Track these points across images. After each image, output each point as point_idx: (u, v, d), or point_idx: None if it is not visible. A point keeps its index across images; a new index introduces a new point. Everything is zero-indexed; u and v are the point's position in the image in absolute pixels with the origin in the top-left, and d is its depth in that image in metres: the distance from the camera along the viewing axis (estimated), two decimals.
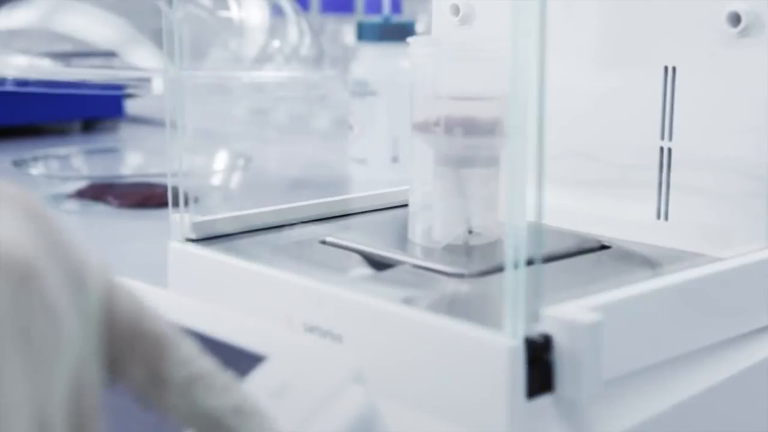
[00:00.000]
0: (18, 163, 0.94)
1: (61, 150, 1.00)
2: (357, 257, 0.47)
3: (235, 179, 0.99)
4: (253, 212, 0.53)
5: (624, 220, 0.51)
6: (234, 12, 0.96)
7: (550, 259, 0.46)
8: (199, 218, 0.52)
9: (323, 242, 0.49)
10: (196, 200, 0.94)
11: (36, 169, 0.95)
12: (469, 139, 0.46)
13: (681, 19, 0.50)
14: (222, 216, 0.52)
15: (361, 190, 1.05)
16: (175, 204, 0.51)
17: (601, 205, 0.53)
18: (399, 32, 1.07)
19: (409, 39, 0.48)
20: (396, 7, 1.38)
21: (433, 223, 0.48)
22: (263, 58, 0.94)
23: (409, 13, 1.41)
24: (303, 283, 0.43)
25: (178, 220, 0.51)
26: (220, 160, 1.03)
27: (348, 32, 1.47)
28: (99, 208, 0.92)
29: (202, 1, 0.95)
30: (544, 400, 0.37)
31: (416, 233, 0.48)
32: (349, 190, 1.06)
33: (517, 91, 0.36)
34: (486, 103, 0.46)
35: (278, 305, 0.44)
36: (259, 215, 0.53)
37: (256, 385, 0.34)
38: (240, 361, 0.36)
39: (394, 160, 1.06)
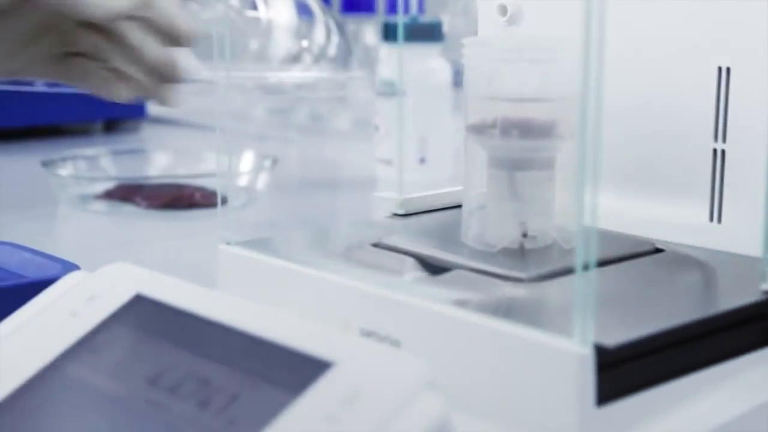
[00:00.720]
0: (46, 164, 0.93)
1: (89, 151, 0.99)
2: (411, 260, 0.46)
3: (262, 180, 0.98)
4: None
5: (676, 222, 0.51)
6: (262, 12, 0.95)
7: (605, 263, 0.46)
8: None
9: (375, 245, 0.49)
10: (224, 201, 0.95)
11: (64, 170, 0.94)
12: (525, 141, 0.46)
13: (735, 20, 0.49)
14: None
15: (388, 191, 1.05)
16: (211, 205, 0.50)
17: (653, 207, 0.52)
18: (426, 32, 1.06)
19: (464, 40, 0.47)
20: (419, 7, 1.37)
21: (486, 226, 0.47)
22: (291, 59, 0.94)
23: (431, 14, 1.40)
24: (360, 287, 0.43)
25: (227, 222, 0.50)
26: (247, 161, 1.02)
27: (369, 32, 1.46)
28: (127, 209, 0.92)
29: (231, 1, 0.94)
30: (614, 407, 0.37)
31: (470, 236, 0.48)
32: (376, 191, 1.06)
33: (588, 94, 0.35)
34: (543, 105, 0.46)
35: (333, 310, 0.44)
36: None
37: (324, 392, 0.34)
38: (305, 367, 0.35)
39: (421, 161, 1.05)
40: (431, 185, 1.04)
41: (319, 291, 0.45)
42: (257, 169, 0.99)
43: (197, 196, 0.94)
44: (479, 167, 0.47)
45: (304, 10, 0.98)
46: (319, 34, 0.96)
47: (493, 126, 0.46)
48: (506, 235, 0.46)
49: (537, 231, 0.47)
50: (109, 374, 0.38)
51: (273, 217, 0.92)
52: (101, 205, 0.93)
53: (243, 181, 0.99)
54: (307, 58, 0.94)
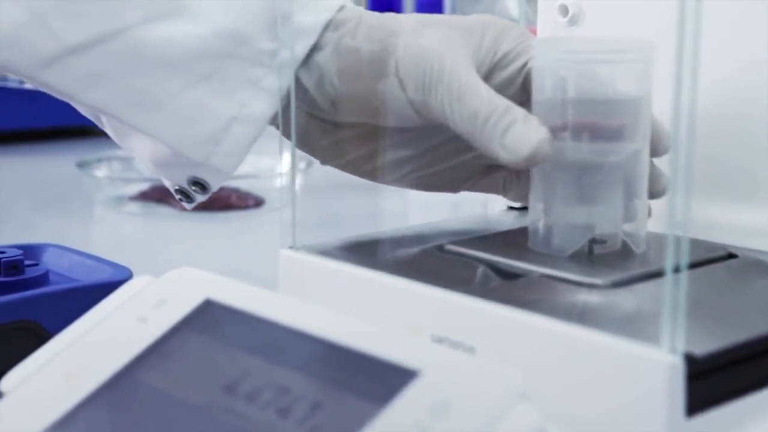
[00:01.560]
0: (82, 165, 0.93)
1: (123, 152, 0.99)
2: (481, 266, 0.45)
3: (297, 182, 0.97)
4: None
5: (748, 228, 0.50)
6: None
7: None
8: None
9: (441, 250, 0.48)
10: (262, 203, 0.94)
11: (100, 171, 0.94)
12: (595, 144, 0.45)
13: None
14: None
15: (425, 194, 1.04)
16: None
17: (724, 212, 0.51)
18: None
19: (534, 41, 0.46)
20: (439, 7, 1.36)
21: (555, 231, 0.46)
22: None
23: (461, 14, 1.39)
24: (431, 292, 0.42)
25: (290, 227, 0.49)
26: (285, 162, 1.01)
27: None
28: (162, 210, 0.91)
29: None
30: (704, 418, 0.36)
31: (538, 241, 0.47)
32: (408, 193, 1.05)
33: (681, 99, 0.34)
34: (612, 107, 0.45)
35: (403, 316, 0.43)
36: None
37: (411, 401, 0.33)
38: (390, 376, 0.34)
39: None
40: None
41: (388, 296, 0.44)
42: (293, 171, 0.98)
43: (233, 197, 0.93)
44: (547, 171, 0.46)
45: None
46: None
47: (563, 129, 0.45)
48: (576, 241, 0.45)
49: (606, 235, 0.46)
50: (182, 381, 0.38)
51: (321, 220, 0.91)
52: (136, 207, 0.92)
53: (279, 183, 0.98)
54: None
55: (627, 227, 0.46)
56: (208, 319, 0.40)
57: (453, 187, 0.54)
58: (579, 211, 0.46)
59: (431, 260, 0.47)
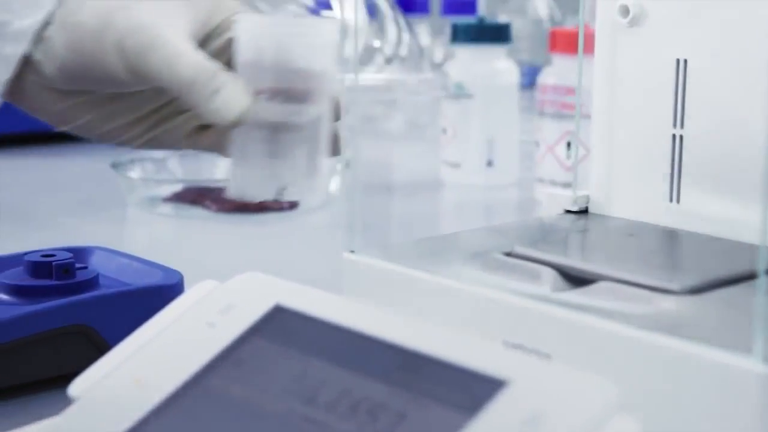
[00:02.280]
0: (116, 166, 0.92)
1: (157, 153, 0.98)
2: (550, 270, 0.45)
3: (334, 183, 0.97)
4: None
5: None
6: (337, 12, 0.93)
7: (749, 277, 0.44)
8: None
9: (510, 254, 0.47)
10: (296, 204, 0.93)
11: (134, 172, 0.93)
12: (285, 106, 0.52)
13: None
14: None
15: (458, 194, 1.03)
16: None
17: None
18: (494, 33, 1.05)
19: (236, 16, 0.53)
20: (472, 7, 1.36)
21: (249, 181, 0.53)
22: (365, 60, 0.92)
23: (487, 14, 1.38)
24: (504, 298, 0.41)
25: (351, 230, 0.48)
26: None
27: (422, 33, 1.44)
28: (196, 212, 0.90)
29: (304, 1, 0.93)
30: None
31: (235, 190, 0.53)
32: (444, 194, 1.04)
33: None
34: (300, 75, 0.52)
35: (474, 321, 0.42)
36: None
37: (501, 412, 0.32)
38: (477, 385, 0.33)
39: (489, 164, 1.04)
40: (499, 189, 1.03)
41: (457, 302, 0.43)
42: (330, 172, 0.98)
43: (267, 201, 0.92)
44: (245, 129, 0.52)
45: (371, 10, 0.96)
46: (390, 33, 0.94)
47: (260, 92, 0.51)
48: (265, 190, 0.53)
49: (292, 185, 0.53)
50: (257, 389, 0.37)
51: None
52: (169, 208, 0.91)
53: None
54: (380, 59, 0.92)
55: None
56: (279, 325, 0.39)
57: (175, 144, 0.60)
58: (270, 164, 0.52)
59: (499, 264, 0.46)
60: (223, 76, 0.51)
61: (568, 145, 0.94)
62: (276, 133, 0.52)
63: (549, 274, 0.44)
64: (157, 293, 0.54)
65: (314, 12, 0.94)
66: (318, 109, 0.52)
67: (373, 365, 0.36)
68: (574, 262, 0.45)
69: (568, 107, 0.94)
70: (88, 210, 0.94)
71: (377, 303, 0.45)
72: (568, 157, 0.94)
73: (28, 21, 0.55)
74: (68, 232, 0.85)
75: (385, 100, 1.38)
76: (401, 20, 0.95)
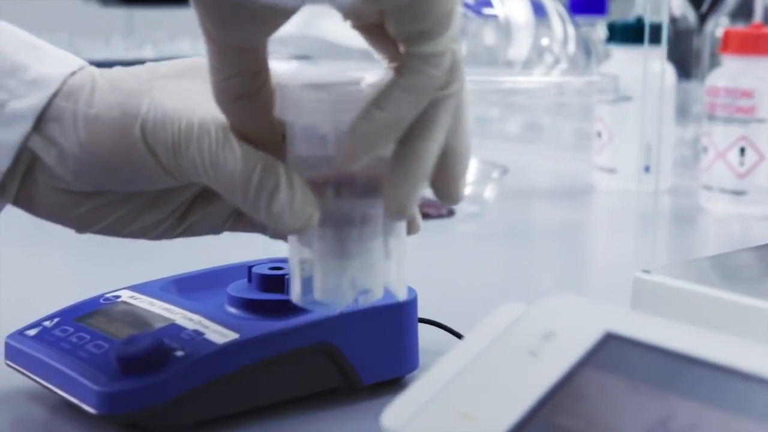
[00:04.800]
0: None
1: None
2: None
3: (489, 191, 0.93)
4: None
5: None
6: (498, 9, 0.90)
7: None
8: None
9: None
10: (453, 211, 0.90)
11: None
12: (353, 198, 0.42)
13: None
14: None
15: (613, 200, 0.99)
16: None
17: None
18: (652, 34, 1.00)
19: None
20: (602, 7, 1.31)
21: (319, 286, 0.42)
22: (533, 61, 0.88)
23: (616, 14, 1.34)
24: None
25: (645, 249, 0.45)
26: (470, 170, 0.97)
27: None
28: None
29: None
30: None
31: (301, 297, 0.43)
32: (598, 200, 1.00)
33: None
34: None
35: None
36: None
37: None
38: None
39: (646, 169, 0.99)
40: (654, 195, 0.98)
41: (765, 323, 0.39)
42: (485, 180, 0.94)
43: (425, 206, 0.89)
44: None
45: (536, 7, 0.92)
46: (557, 32, 0.90)
47: (325, 183, 0.42)
48: (343, 297, 0.43)
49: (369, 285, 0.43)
50: (601, 424, 0.33)
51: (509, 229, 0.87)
52: None
53: (467, 191, 0.94)
54: (549, 59, 0.88)
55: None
56: (613, 354, 0.36)
57: (215, 229, 0.51)
58: (342, 265, 0.42)
59: None
60: (277, 170, 0.42)
61: (742, 150, 0.90)
62: (345, 227, 0.42)
63: None
64: (396, 310, 0.51)
65: (475, 11, 0.90)
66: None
67: (723, 396, 0.32)
68: None
69: (742, 111, 0.90)
70: None
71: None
72: (742, 163, 0.90)
73: (28, 101, 0.46)
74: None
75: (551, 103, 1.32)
76: (567, 17, 0.91)
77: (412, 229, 0.45)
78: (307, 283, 0.43)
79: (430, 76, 0.40)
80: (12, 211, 0.48)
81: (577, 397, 0.34)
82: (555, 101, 0.97)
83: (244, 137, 0.43)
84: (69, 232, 0.49)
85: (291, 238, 0.43)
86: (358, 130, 0.40)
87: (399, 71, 0.40)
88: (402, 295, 0.44)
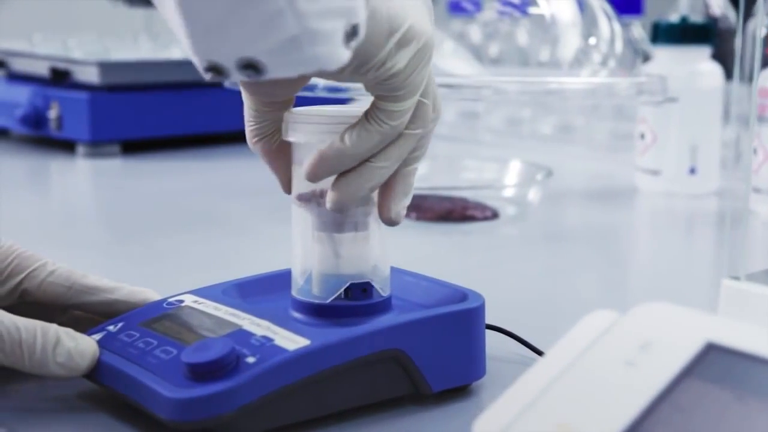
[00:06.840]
0: None
1: None
2: None
3: (533, 193, 0.92)
4: None
5: None
6: (544, 8, 0.88)
7: None
8: None
9: None
10: (497, 214, 0.88)
11: None
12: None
13: None
14: None
15: (658, 202, 0.98)
16: None
17: None
18: (697, 34, 0.99)
19: (286, 114, 0.48)
20: (638, 7, 1.30)
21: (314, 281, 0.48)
22: (579, 61, 0.87)
23: (654, 13, 1.32)
24: None
25: (734, 255, 0.43)
26: (513, 172, 0.96)
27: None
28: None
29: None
30: None
31: (301, 290, 0.48)
32: (642, 202, 0.99)
33: None
34: None
35: None
36: None
37: None
38: None
39: (692, 171, 0.98)
40: (701, 198, 0.97)
41: None
42: (528, 181, 0.93)
43: (471, 208, 0.88)
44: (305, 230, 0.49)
45: (580, 5, 0.91)
46: (603, 31, 0.88)
47: (321, 195, 0.48)
48: (333, 289, 0.49)
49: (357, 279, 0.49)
50: None
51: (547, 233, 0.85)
52: None
53: (509, 193, 0.93)
54: (596, 58, 0.86)
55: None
56: (716, 364, 0.34)
57: None
58: (336, 264, 0.49)
59: None
60: (51, 329, 0.46)
61: None
62: (341, 233, 0.49)
63: None
64: (466, 317, 0.49)
65: (521, 10, 0.89)
66: (374, 207, 0.49)
67: None
68: None
69: None
70: (273, 215, 0.90)
71: None
72: None
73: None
74: (262, 237, 0.81)
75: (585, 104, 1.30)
76: (611, 12, 0.90)
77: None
78: (307, 280, 0.49)
79: (391, 126, 0.45)
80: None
81: (680, 409, 0.33)
82: (590, 102, 0.95)
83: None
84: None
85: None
86: (322, 155, 0.46)
87: (366, 115, 0.46)
88: (385, 285, 0.50)
